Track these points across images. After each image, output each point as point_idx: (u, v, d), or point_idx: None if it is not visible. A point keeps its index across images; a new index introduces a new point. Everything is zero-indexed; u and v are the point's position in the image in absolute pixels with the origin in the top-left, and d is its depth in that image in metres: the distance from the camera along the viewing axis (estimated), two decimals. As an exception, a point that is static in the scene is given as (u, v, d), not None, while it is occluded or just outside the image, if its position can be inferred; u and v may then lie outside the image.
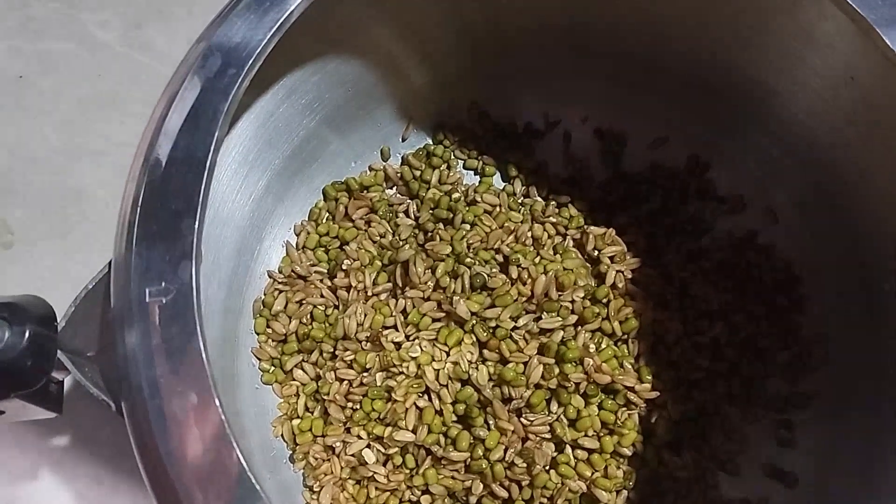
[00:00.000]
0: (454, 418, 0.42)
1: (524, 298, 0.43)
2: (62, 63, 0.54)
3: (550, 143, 0.51)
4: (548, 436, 0.41)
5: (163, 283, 0.27)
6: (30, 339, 0.27)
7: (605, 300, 0.43)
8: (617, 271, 0.44)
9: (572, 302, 0.42)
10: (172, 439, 0.26)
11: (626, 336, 0.43)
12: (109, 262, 0.30)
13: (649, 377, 0.42)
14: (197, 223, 0.28)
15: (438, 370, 0.42)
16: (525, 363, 0.41)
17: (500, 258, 0.45)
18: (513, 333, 0.42)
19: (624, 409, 0.41)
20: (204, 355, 0.27)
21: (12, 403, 0.29)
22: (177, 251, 0.28)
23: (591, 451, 0.41)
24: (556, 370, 0.40)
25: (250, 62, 0.30)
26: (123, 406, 0.27)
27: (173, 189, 0.29)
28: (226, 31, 0.30)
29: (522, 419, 0.40)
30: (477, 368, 0.42)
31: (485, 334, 0.42)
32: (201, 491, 0.25)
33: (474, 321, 0.42)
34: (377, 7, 0.40)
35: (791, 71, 0.38)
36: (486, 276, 0.43)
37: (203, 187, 0.28)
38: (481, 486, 0.41)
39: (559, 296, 0.42)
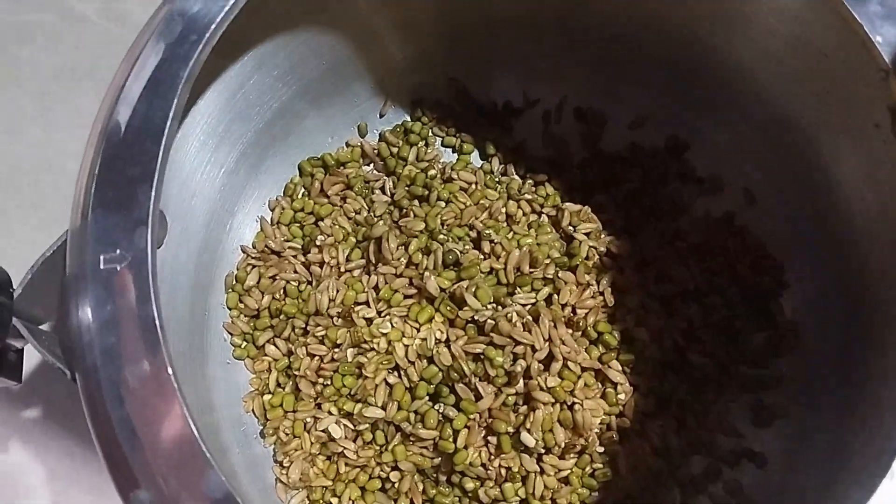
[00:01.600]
0: (425, 396, 0.41)
1: (494, 275, 0.42)
2: (40, 34, 0.54)
3: (529, 121, 0.50)
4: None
5: (118, 250, 0.27)
6: (-18, 304, 0.27)
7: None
8: (590, 246, 0.43)
9: (544, 278, 0.42)
10: (125, 407, 0.26)
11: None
12: (67, 231, 0.30)
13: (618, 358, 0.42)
14: (154, 190, 0.27)
15: (408, 346, 0.42)
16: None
17: (473, 235, 0.44)
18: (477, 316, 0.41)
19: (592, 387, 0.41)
20: (158, 323, 0.26)
21: (-33, 371, 0.29)
22: (133, 218, 0.27)
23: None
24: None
25: (212, 29, 0.29)
26: (77, 374, 0.27)
27: (131, 156, 0.28)
28: (188, -2, 0.30)
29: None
30: (439, 349, 0.41)
31: (451, 312, 0.42)
32: (153, 459, 0.25)
33: (444, 297, 0.42)
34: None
35: (765, 48, 0.38)
36: (458, 252, 0.42)
37: (161, 154, 0.28)
38: (450, 464, 0.40)
39: (531, 271, 0.42)
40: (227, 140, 0.40)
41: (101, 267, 0.27)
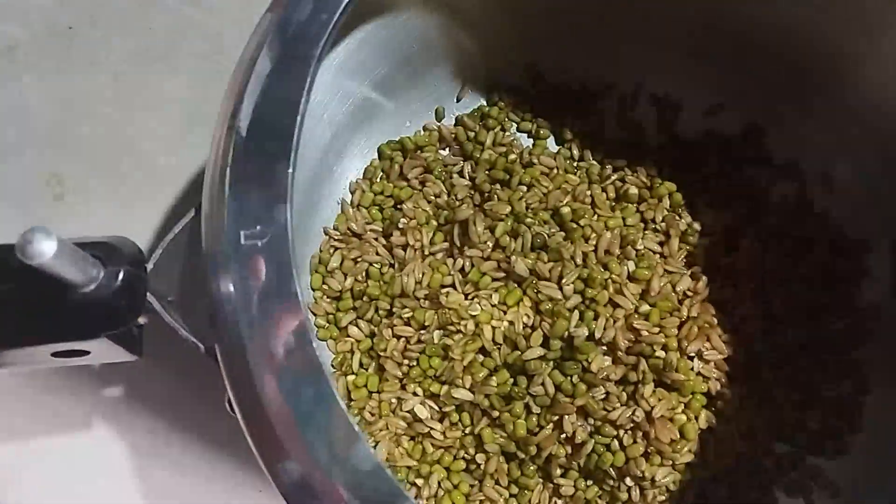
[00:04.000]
0: (508, 380, 0.42)
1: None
2: (112, 15, 0.54)
3: (605, 106, 0.50)
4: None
5: (258, 227, 0.27)
6: (123, 279, 0.28)
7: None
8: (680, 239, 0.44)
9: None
10: (273, 381, 0.26)
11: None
12: (195, 208, 0.30)
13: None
14: (291, 167, 0.28)
15: (495, 329, 0.42)
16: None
17: (558, 219, 0.44)
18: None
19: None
20: (300, 297, 0.27)
21: (99, 344, 0.29)
22: (272, 195, 0.28)
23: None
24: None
25: (342, 7, 0.30)
26: (217, 348, 0.27)
27: (266, 134, 0.28)
28: (317, -24, 0.30)
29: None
30: (529, 339, 0.41)
31: (538, 296, 0.42)
32: (303, 432, 0.26)
33: (532, 281, 0.42)
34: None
35: (869, 36, 0.38)
36: (546, 235, 0.43)
37: (297, 130, 0.28)
38: (534, 448, 0.41)
39: (620, 252, 0.42)
40: (324, 121, 0.41)
41: (242, 243, 0.27)
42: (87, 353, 0.30)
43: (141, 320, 0.31)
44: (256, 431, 0.26)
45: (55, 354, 0.29)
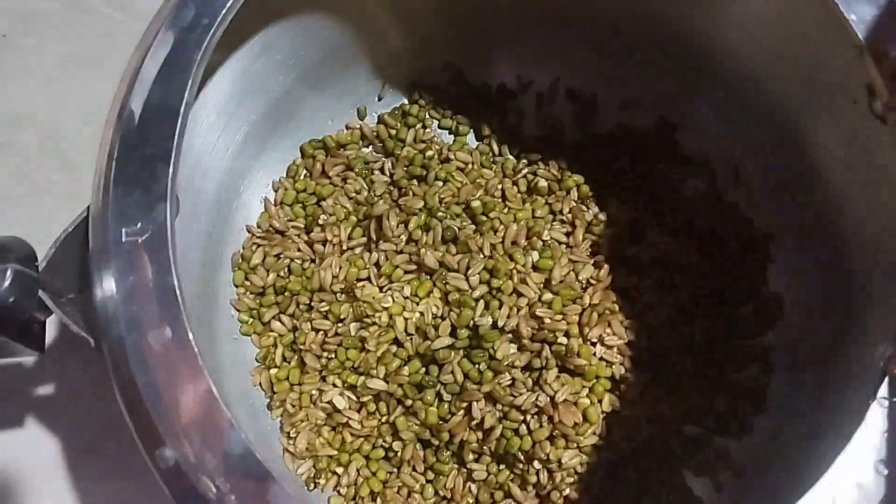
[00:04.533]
0: (420, 370, 0.43)
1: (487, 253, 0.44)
2: (45, 22, 0.55)
3: (523, 104, 0.52)
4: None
5: (139, 224, 0.29)
6: (12, 277, 0.29)
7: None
8: (585, 229, 0.45)
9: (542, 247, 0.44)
10: (150, 372, 0.27)
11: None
12: (88, 207, 0.31)
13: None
14: (171, 168, 0.29)
15: (408, 320, 0.44)
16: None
17: (470, 212, 0.46)
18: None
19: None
20: (178, 292, 0.28)
21: (-6, 341, 0.30)
22: (152, 193, 0.29)
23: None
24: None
25: (223, 13, 0.31)
26: (102, 342, 0.29)
27: (149, 135, 0.30)
28: (200, -17, 0.31)
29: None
30: (437, 328, 0.43)
31: (446, 287, 0.43)
32: (178, 421, 0.27)
33: (442, 272, 0.44)
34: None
35: (749, 29, 0.39)
36: (456, 228, 0.44)
37: (177, 133, 0.29)
38: (447, 435, 0.42)
39: (526, 243, 0.44)
40: (233, 122, 0.42)
41: (123, 240, 0.28)
42: (-16, 349, 0.31)
43: (41, 317, 0.32)
44: (136, 420, 0.28)
45: (-48, 352, 0.30)
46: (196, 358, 0.27)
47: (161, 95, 0.30)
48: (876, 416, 0.28)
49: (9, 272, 0.29)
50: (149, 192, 0.29)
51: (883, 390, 0.29)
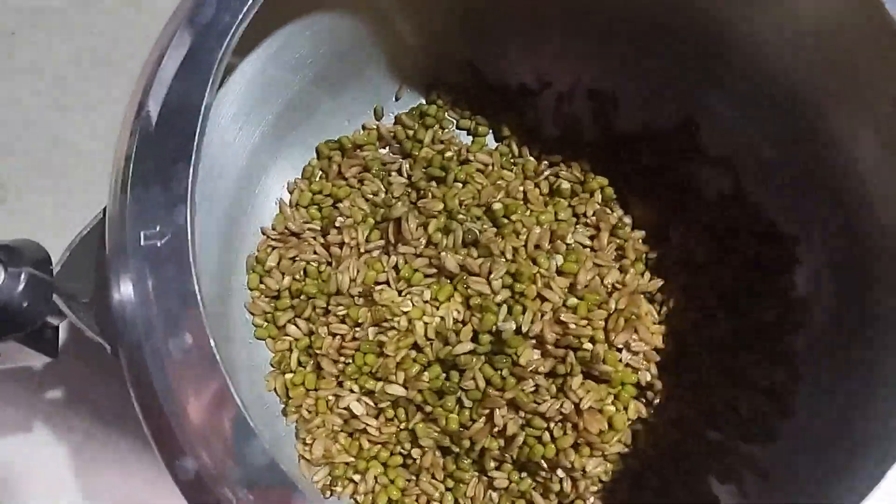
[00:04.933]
0: (440, 375, 0.42)
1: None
2: (55, 19, 0.54)
3: (543, 103, 0.51)
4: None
5: (158, 227, 0.28)
6: (26, 281, 0.28)
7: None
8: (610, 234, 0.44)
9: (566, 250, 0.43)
10: (168, 378, 0.26)
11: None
12: (104, 209, 0.30)
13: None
14: (192, 168, 0.28)
15: (427, 325, 0.43)
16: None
17: (491, 215, 0.45)
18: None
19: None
20: (199, 297, 0.27)
21: (8, 346, 0.29)
22: (172, 195, 0.28)
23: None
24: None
25: (244, 10, 0.30)
26: (119, 347, 0.28)
27: (168, 134, 0.29)
28: (220, -21, 0.31)
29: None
30: (458, 333, 0.42)
31: (467, 291, 0.42)
32: (198, 430, 0.26)
33: (462, 276, 0.43)
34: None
35: (778, 22, 0.38)
36: (477, 231, 0.43)
37: (198, 133, 0.28)
38: (468, 442, 0.41)
39: (550, 247, 0.43)
40: (249, 122, 0.41)
41: (142, 243, 0.27)
42: (-2, 354, 0.30)
43: (54, 321, 0.31)
44: (154, 429, 0.27)
45: (-37, 357, 0.30)
46: (218, 365, 0.26)
47: (181, 95, 0.29)
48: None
49: (23, 276, 0.28)
50: (168, 194, 0.28)
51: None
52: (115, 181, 0.29)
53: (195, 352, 0.27)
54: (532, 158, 0.49)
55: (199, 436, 0.26)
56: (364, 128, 0.50)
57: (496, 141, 0.51)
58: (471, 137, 0.51)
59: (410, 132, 0.49)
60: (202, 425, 0.26)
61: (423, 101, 0.51)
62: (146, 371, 0.27)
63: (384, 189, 0.48)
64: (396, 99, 0.50)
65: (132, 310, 0.27)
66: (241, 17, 0.30)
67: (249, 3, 0.30)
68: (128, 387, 0.27)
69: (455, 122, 0.51)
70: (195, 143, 0.28)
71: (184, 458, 0.26)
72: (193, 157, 0.28)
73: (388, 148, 0.50)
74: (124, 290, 0.27)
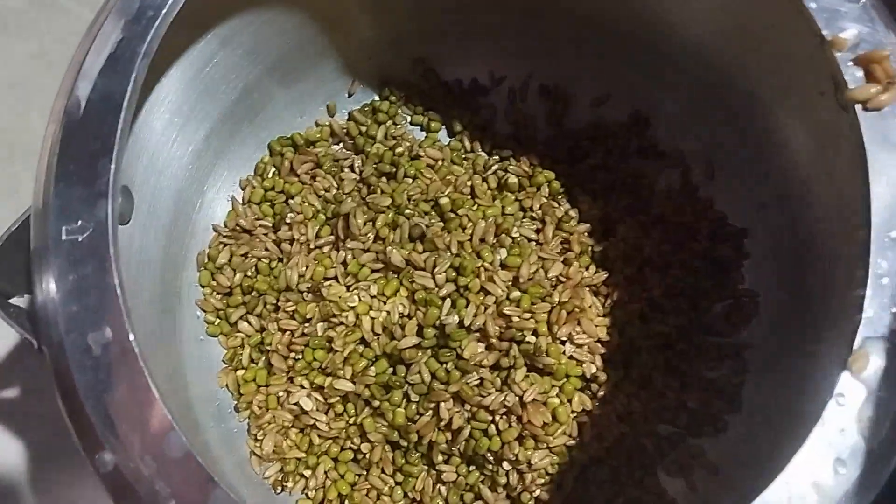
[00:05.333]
0: (387, 370, 0.42)
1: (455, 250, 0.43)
2: (12, 20, 0.54)
3: (495, 99, 0.51)
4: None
5: (79, 222, 0.28)
6: (-50, 277, 0.28)
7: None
8: (555, 227, 0.45)
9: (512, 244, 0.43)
10: (89, 373, 0.27)
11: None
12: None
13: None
14: (114, 164, 0.28)
15: (374, 319, 0.43)
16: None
17: (438, 210, 0.45)
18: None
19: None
20: (119, 291, 0.27)
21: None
22: (93, 190, 0.28)
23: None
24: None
25: (168, 4, 0.30)
26: (42, 344, 0.28)
27: (91, 130, 0.29)
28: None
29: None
30: (404, 327, 0.42)
31: (413, 286, 0.43)
32: (116, 421, 0.26)
33: (408, 271, 0.43)
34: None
35: (714, 19, 0.39)
36: (424, 226, 0.43)
37: (120, 128, 0.29)
38: (415, 436, 0.41)
39: (495, 240, 0.43)
40: (193, 118, 0.41)
41: (63, 238, 0.28)
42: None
43: (-15, 318, 0.31)
44: (76, 423, 0.27)
45: None
46: (137, 359, 0.27)
47: (105, 89, 0.29)
48: (833, 414, 0.28)
49: (-52, 272, 0.28)
50: (91, 189, 0.28)
51: (840, 387, 0.28)
52: (40, 176, 0.29)
53: (115, 346, 0.27)
54: (483, 154, 0.49)
55: (118, 429, 0.26)
56: (317, 124, 0.50)
57: (449, 136, 0.51)
58: (424, 133, 0.51)
59: (363, 128, 0.49)
60: (121, 419, 0.26)
61: (377, 98, 0.51)
62: (67, 366, 0.27)
63: (336, 185, 0.48)
64: (349, 95, 0.51)
65: (54, 306, 0.27)
66: (165, 10, 0.30)
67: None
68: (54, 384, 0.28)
69: (408, 118, 0.51)
70: (117, 138, 0.28)
71: (103, 451, 0.26)
72: (115, 152, 0.28)
73: (340, 144, 0.50)
74: (47, 286, 0.28)
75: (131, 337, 0.27)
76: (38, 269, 0.28)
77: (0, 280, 0.31)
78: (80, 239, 0.28)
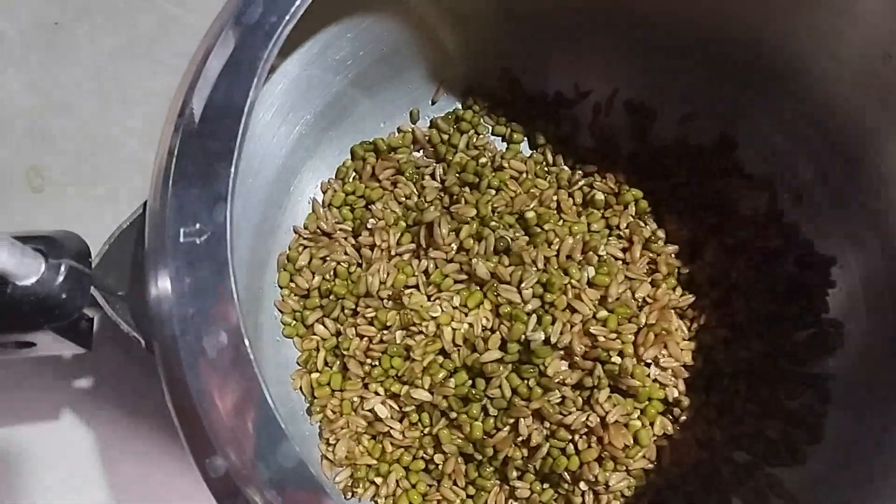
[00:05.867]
0: (467, 382, 0.42)
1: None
2: (97, 11, 0.55)
3: (580, 113, 0.51)
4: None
5: (197, 224, 0.28)
6: (66, 272, 0.28)
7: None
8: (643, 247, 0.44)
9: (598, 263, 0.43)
10: (201, 377, 0.27)
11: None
12: (143, 204, 0.31)
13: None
14: (233, 167, 0.28)
15: (455, 331, 0.43)
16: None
17: (523, 223, 0.45)
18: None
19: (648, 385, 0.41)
20: (235, 297, 0.27)
21: (44, 336, 0.30)
22: (212, 193, 0.28)
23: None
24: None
25: (291, 10, 0.30)
26: (154, 343, 0.28)
27: (211, 133, 0.29)
28: (267, -21, 0.31)
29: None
30: (486, 341, 0.42)
31: (497, 299, 0.42)
32: (229, 429, 0.26)
33: (493, 284, 0.43)
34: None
35: (827, 47, 0.38)
36: (509, 239, 0.43)
37: (241, 132, 0.29)
38: (491, 450, 0.41)
39: (582, 258, 0.43)
40: (288, 122, 0.41)
41: (181, 240, 0.28)
42: (33, 345, 0.30)
43: (90, 314, 0.32)
44: (186, 426, 0.27)
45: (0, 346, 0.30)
46: (251, 365, 0.27)
47: (225, 94, 0.29)
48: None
49: (62, 267, 0.28)
50: (209, 192, 0.28)
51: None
52: (156, 177, 0.29)
53: (229, 351, 0.27)
54: (567, 168, 0.49)
55: (230, 435, 0.26)
56: (399, 130, 0.50)
57: (531, 149, 0.51)
58: (505, 144, 0.51)
59: (445, 136, 0.49)
60: (233, 425, 0.26)
61: (460, 106, 0.51)
62: (180, 368, 0.27)
63: (417, 193, 0.48)
64: (433, 103, 0.50)
65: (168, 306, 0.27)
66: (287, 18, 0.30)
67: (297, 5, 0.30)
68: (161, 382, 0.28)
69: (490, 128, 0.51)
70: (237, 143, 0.28)
71: (214, 456, 0.26)
72: (235, 157, 0.28)
73: (422, 151, 0.50)
74: (162, 286, 0.28)
75: (246, 342, 0.27)
76: (153, 269, 0.28)
77: (107, 277, 0.31)
78: (197, 242, 0.28)
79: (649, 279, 0.43)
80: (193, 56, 0.31)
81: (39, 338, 0.30)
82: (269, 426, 0.26)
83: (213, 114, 0.29)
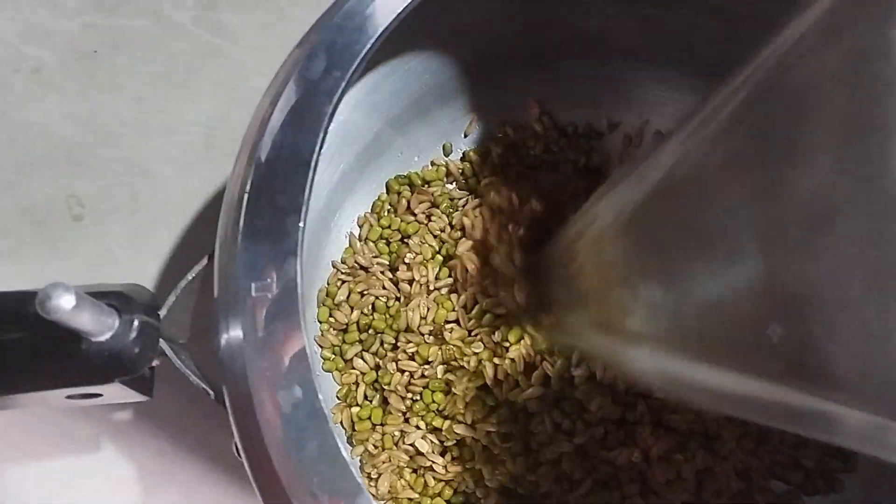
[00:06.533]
0: (512, 417, 0.42)
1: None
2: (136, 40, 0.55)
3: (609, 144, 0.51)
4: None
5: (268, 279, 0.28)
6: (139, 328, 0.28)
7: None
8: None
9: None
10: (278, 430, 0.27)
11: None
12: (209, 256, 0.31)
13: None
14: (302, 222, 0.29)
15: (497, 366, 0.43)
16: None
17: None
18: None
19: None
20: (308, 350, 0.28)
21: (112, 388, 0.30)
22: (282, 248, 0.28)
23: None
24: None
25: (354, 65, 0.31)
26: (226, 395, 0.28)
27: (278, 187, 0.29)
28: (330, 34, 0.31)
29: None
30: (530, 377, 0.42)
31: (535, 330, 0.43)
32: (307, 482, 0.26)
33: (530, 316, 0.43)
34: (455, 13, 0.41)
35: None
36: (549, 275, 0.43)
37: (308, 186, 0.29)
38: (533, 486, 0.42)
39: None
40: (332, 163, 0.42)
41: (253, 294, 0.28)
42: (100, 395, 0.31)
43: (154, 363, 0.32)
44: (261, 479, 0.27)
45: (69, 397, 0.30)
46: (326, 421, 0.27)
47: (291, 147, 0.30)
48: None
49: (135, 323, 0.28)
50: (279, 246, 0.29)
51: None
52: (224, 231, 0.30)
53: (305, 406, 0.27)
54: (599, 200, 0.49)
55: (306, 488, 0.27)
56: (433, 164, 0.50)
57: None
58: (537, 176, 0.51)
59: (478, 168, 0.50)
60: (311, 478, 0.27)
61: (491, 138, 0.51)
62: (255, 423, 0.27)
63: (450, 225, 0.48)
64: (465, 136, 0.51)
65: (241, 361, 0.28)
66: (350, 72, 0.31)
67: (359, 59, 0.31)
68: (234, 437, 0.28)
69: (522, 159, 0.51)
70: (306, 198, 0.29)
71: (291, 510, 0.27)
72: (304, 211, 0.29)
73: (454, 184, 0.51)
74: (235, 341, 0.28)
75: (320, 396, 0.27)
76: (224, 321, 0.28)
77: (171, 327, 0.31)
78: (269, 296, 0.28)
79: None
80: (258, 107, 0.32)
81: (107, 389, 0.30)
82: (345, 481, 0.27)
83: (281, 167, 0.30)
